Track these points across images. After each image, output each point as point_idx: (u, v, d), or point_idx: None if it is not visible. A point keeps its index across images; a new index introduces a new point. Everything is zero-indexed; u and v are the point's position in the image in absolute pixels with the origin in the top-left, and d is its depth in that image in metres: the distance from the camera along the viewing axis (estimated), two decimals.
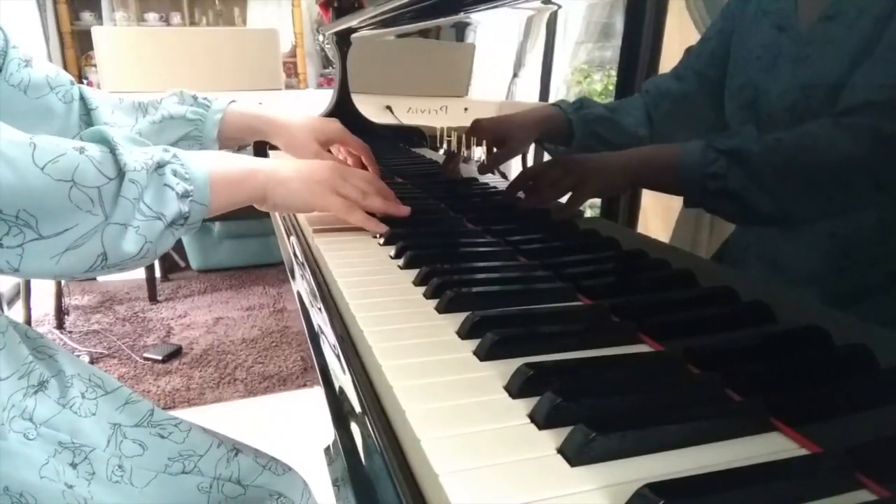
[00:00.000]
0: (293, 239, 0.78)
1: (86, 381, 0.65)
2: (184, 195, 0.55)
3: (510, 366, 0.39)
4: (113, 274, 0.54)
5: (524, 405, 0.36)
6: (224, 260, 3.03)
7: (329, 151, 0.91)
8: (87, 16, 3.73)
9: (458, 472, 0.30)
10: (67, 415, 0.60)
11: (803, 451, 0.32)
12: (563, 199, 0.62)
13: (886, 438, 0.31)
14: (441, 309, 0.50)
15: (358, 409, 0.40)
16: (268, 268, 3.05)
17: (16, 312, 2.50)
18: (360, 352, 0.45)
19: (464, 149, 0.87)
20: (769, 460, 0.31)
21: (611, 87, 0.55)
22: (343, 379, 0.44)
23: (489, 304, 0.50)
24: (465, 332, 0.45)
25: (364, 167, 0.92)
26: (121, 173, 0.50)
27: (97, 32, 2.74)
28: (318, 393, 1.85)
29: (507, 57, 0.76)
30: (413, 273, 0.58)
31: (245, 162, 0.63)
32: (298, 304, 0.65)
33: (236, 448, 0.72)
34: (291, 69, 4.13)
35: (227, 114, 0.83)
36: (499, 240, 0.69)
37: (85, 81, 3.65)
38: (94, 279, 2.96)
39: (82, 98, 0.73)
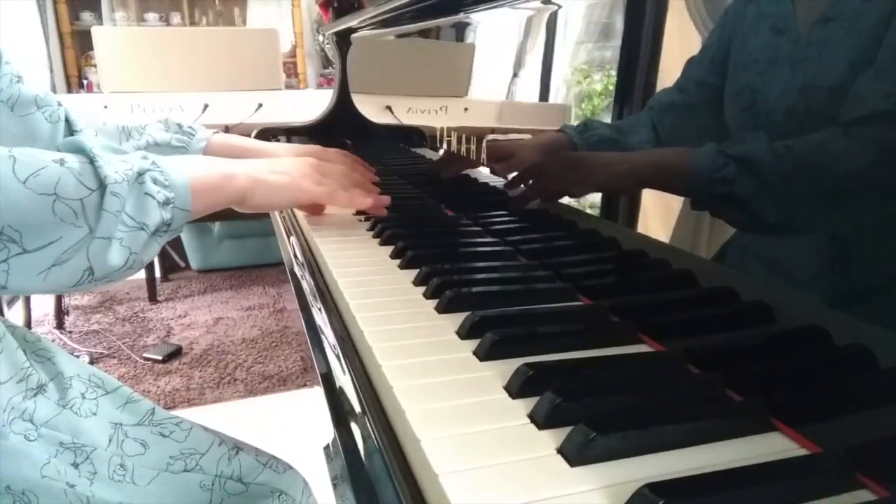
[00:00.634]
0: (293, 239, 0.78)
1: (86, 382, 0.65)
2: (165, 203, 0.54)
3: (510, 366, 0.39)
4: (101, 287, 0.53)
5: (524, 405, 0.36)
6: (224, 260, 3.03)
7: None
8: (87, 16, 3.73)
9: (457, 472, 0.30)
10: (68, 415, 0.60)
11: (803, 451, 0.32)
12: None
13: (886, 438, 0.31)
14: (441, 309, 0.50)
15: (358, 409, 0.40)
16: (268, 268, 3.05)
17: (16, 312, 2.50)
18: (360, 352, 0.45)
19: (462, 150, 0.87)
20: (769, 460, 0.31)
21: (611, 87, 0.55)
22: (343, 379, 0.44)
23: (489, 304, 0.50)
24: (464, 332, 0.45)
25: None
26: (102, 185, 0.49)
27: (97, 32, 2.74)
28: (318, 393, 1.85)
29: (507, 57, 0.76)
30: (413, 273, 0.58)
31: (223, 165, 0.63)
32: (298, 304, 0.65)
33: (237, 446, 0.72)
34: (291, 69, 4.13)
35: (211, 142, 0.84)
36: (499, 240, 0.69)
37: (85, 81, 3.65)
38: None
39: (67, 120, 0.71)
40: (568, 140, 0.62)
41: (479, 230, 0.74)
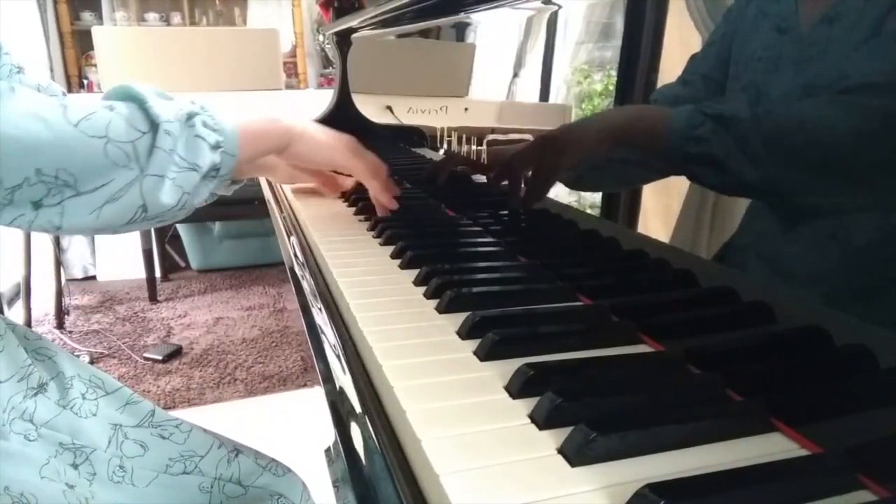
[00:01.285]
0: (293, 239, 0.78)
1: (86, 382, 0.65)
2: (215, 146, 0.56)
3: (510, 366, 0.39)
4: (154, 225, 0.56)
5: (524, 405, 0.36)
6: (224, 260, 3.02)
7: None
8: (87, 16, 3.73)
9: (458, 472, 0.30)
10: (68, 416, 0.60)
11: (804, 452, 0.32)
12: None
13: (886, 438, 0.31)
14: (441, 309, 0.50)
15: (358, 409, 0.39)
16: (268, 268, 3.05)
17: (16, 312, 2.50)
18: (361, 352, 0.45)
19: (462, 149, 0.87)
20: (770, 461, 0.31)
21: (611, 88, 0.55)
22: (343, 379, 0.44)
23: (489, 305, 0.50)
24: (465, 333, 0.45)
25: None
26: (154, 125, 0.51)
27: (97, 32, 2.74)
28: (318, 393, 1.85)
29: (507, 57, 0.76)
30: (413, 273, 0.58)
31: (267, 115, 0.66)
32: (298, 304, 0.65)
33: (237, 449, 0.72)
34: (291, 69, 4.12)
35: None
36: (499, 240, 0.69)
37: (85, 81, 3.65)
38: (94, 278, 2.96)
39: None
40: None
41: (479, 230, 0.74)
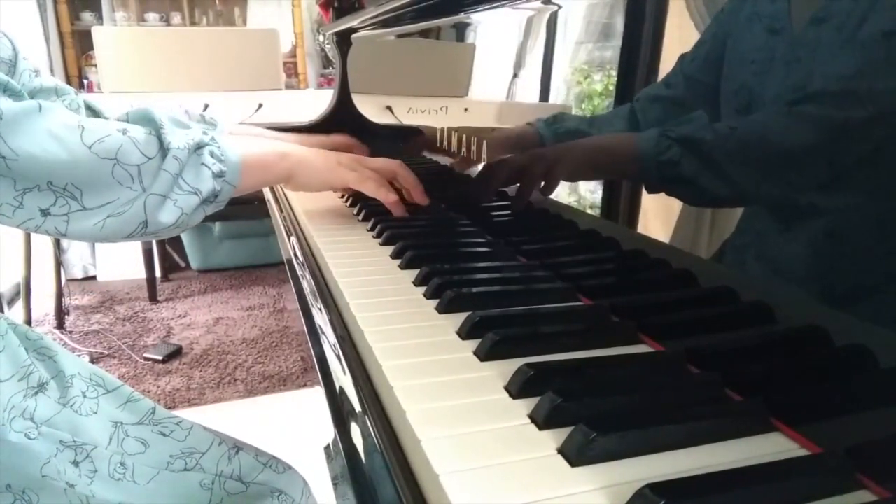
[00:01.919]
0: (293, 239, 0.78)
1: (87, 381, 0.65)
2: (218, 174, 0.60)
3: (510, 366, 0.39)
4: (151, 239, 0.62)
5: (524, 405, 0.36)
6: (224, 260, 3.03)
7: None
8: (87, 16, 3.73)
9: (458, 472, 0.30)
10: (68, 414, 0.60)
11: (804, 452, 0.32)
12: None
13: (886, 438, 0.31)
14: (441, 309, 0.50)
15: (358, 409, 0.40)
16: (268, 268, 3.05)
17: (16, 312, 2.50)
18: (361, 352, 0.45)
19: (463, 150, 0.87)
20: (769, 461, 0.31)
21: (611, 88, 0.55)
22: (343, 379, 0.44)
23: (489, 305, 0.50)
24: (465, 333, 0.45)
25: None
26: (164, 151, 0.56)
27: (97, 32, 2.74)
28: (318, 393, 1.85)
29: (507, 57, 0.76)
30: (413, 273, 0.58)
31: (275, 146, 0.70)
32: (299, 304, 0.65)
33: (237, 446, 0.72)
34: (291, 69, 4.12)
35: (233, 133, 0.87)
36: (499, 240, 0.69)
37: (85, 81, 3.65)
38: (94, 278, 2.97)
39: (89, 107, 0.74)
40: (534, 131, 0.63)
41: (479, 230, 0.74)
